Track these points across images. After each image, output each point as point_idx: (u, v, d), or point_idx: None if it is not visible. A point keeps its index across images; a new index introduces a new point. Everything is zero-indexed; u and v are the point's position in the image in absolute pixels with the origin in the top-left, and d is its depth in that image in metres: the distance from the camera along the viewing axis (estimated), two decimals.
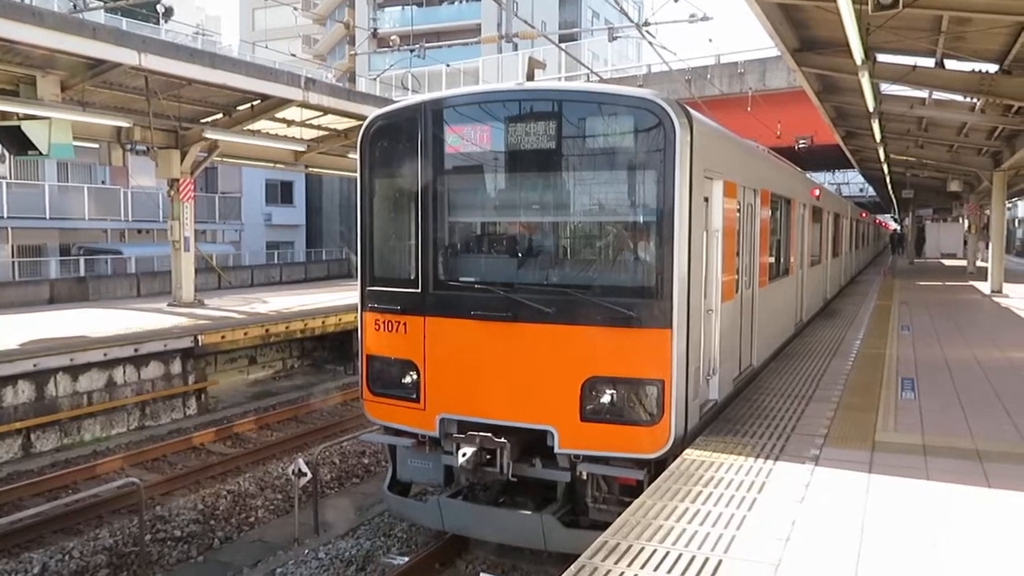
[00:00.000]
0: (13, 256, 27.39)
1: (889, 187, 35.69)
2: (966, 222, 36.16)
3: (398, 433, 7.37)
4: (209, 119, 17.64)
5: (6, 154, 13.76)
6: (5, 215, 26.66)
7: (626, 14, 15.86)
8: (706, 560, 4.25)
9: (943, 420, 7.30)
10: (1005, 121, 15.44)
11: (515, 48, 27.45)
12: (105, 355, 12.65)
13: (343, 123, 19.37)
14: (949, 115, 16.80)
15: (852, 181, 55.73)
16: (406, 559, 7.42)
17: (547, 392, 6.46)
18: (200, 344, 14.15)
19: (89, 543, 8.23)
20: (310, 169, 23.92)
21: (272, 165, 22.33)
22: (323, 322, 17.14)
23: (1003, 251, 22.41)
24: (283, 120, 18.61)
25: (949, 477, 5.61)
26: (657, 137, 6.20)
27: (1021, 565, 4.22)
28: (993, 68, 12.15)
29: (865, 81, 11.32)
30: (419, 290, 7.03)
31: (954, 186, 28.00)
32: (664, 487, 5.40)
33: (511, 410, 6.61)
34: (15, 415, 11.43)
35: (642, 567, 4.17)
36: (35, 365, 11.64)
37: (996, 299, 19.54)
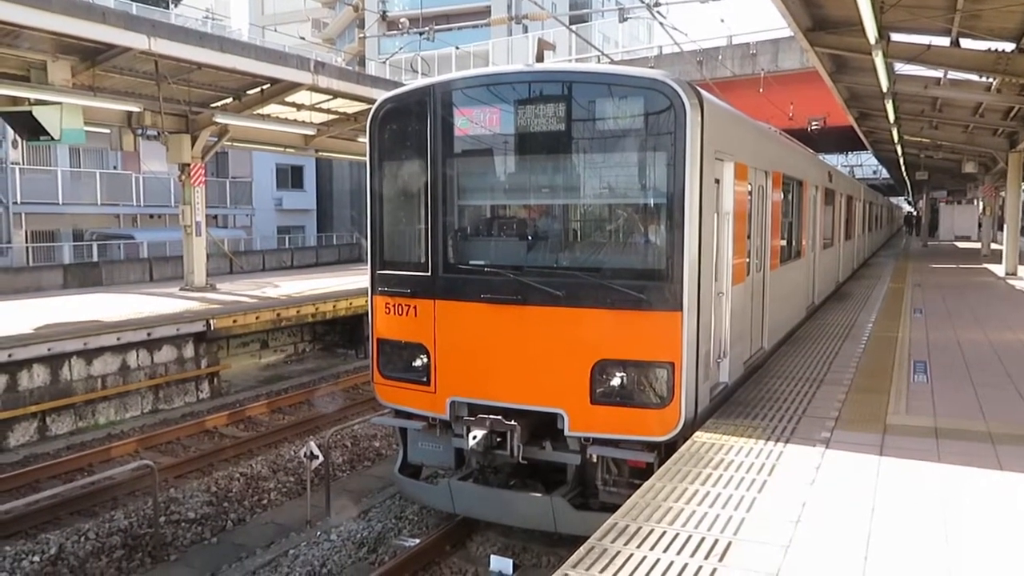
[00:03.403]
0: (27, 241, 27.55)
1: (903, 169, 35.38)
2: (981, 204, 35.82)
3: (409, 416, 7.40)
4: (219, 103, 17.64)
5: (19, 139, 13.83)
6: (19, 200, 26.82)
7: None
8: (716, 542, 4.26)
9: (955, 403, 7.26)
10: (1021, 101, 15.26)
11: (525, 30, 27.28)
12: (118, 339, 12.74)
13: (353, 107, 19.34)
14: (964, 95, 16.62)
15: (865, 163, 55.21)
16: (417, 541, 7.47)
17: (557, 375, 6.46)
18: (212, 328, 14.23)
19: (104, 524, 8.32)
20: (320, 153, 23.92)
21: (282, 149, 22.33)
22: (334, 306, 17.19)
23: (1018, 233, 22.19)
24: (293, 104, 18.60)
25: (961, 460, 5.59)
26: (668, 118, 6.15)
27: None
28: (1010, 47, 12.00)
29: (879, 61, 11.21)
30: (429, 273, 7.03)
31: (969, 167, 27.73)
32: (674, 469, 5.40)
33: (521, 393, 6.62)
34: (31, 399, 11.55)
35: (651, 549, 4.19)
36: (49, 349, 11.74)
37: (1011, 282, 19.38)
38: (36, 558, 7.57)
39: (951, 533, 4.37)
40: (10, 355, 11.20)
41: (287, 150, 22.50)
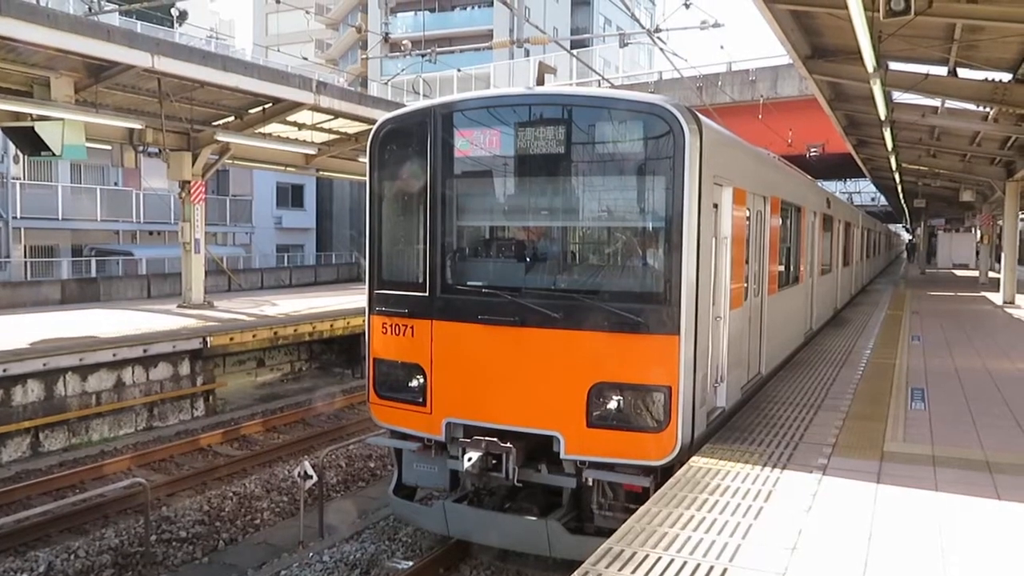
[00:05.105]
0: (26, 256, 27.54)
1: (901, 196, 35.51)
2: (978, 232, 35.93)
3: (404, 437, 7.36)
4: (221, 122, 17.72)
5: (20, 155, 13.87)
6: (18, 215, 26.84)
7: (638, 20, 15.85)
8: (711, 568, 4.22)
9: (953, 431, 7.23)
10: (1018, 131, 15.35)
11: (526, 54, 27.47)
12: (114, 355, 12.71)
13: (354, 127, 19.43)
14: (962, 124, 16.71)
15: (864, 190, 55.53)
16: (410, 563, 7.40)
17: (554, 397, 6.44)
18: (209, 346, 14.20)
19: (95, 542, 8.25)
20: (321, 172, 24.01)
21: (283, 168, 22.43)
22: (331, 325, 17.16)
23: (1015, 262, 22.25)
24: (294, 123, 18.69)
25: (958, 488, 5.56)
26: (667, 143, 6.18)
27: None
28: (1006, 77, 12.09)
29: (877, 89, 11.27)
30: (427, 294, 7.03)
31: (966, 196, 27.83)
32: (670, 494, 5.37)
33: (517, 415, 6.59)
34: (24, 414, 11.48)
35: (647, 574, 4.14)
36: (45, 364, 11.70)
37: (1008, 310, 19.40)
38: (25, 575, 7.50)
39: (948, 562, 4.34)
40: (5, 370, 11.16)
41: (288, 169, 22.59)
